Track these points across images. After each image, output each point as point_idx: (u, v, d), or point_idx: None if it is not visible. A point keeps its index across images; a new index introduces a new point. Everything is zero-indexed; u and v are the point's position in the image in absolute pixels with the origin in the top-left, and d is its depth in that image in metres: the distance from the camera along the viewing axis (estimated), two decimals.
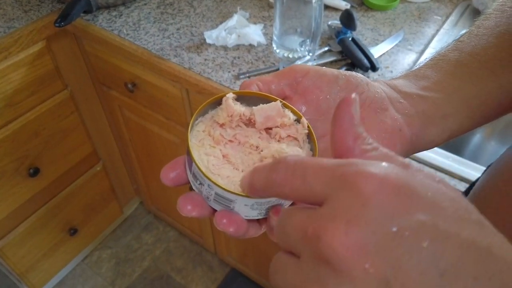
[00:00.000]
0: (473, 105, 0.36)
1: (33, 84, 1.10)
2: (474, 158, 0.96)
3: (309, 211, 0.20)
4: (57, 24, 0.95)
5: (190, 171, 0.30)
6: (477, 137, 0.95)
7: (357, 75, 0.34)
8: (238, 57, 0.93)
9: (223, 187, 0.28)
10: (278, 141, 0.32)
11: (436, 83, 0.35)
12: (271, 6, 1.06)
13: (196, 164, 0.28)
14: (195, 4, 1.08)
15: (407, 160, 0.21)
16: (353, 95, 0.23)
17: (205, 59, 0.93)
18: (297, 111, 0.32)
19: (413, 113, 0.34)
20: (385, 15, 1.03)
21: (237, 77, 0.89)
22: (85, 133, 1.32)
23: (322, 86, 0.33)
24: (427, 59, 0.39)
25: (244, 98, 0.33)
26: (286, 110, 0.32)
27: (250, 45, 0.95)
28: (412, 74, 0.37)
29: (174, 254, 1.68)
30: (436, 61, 0.38)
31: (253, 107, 0.32)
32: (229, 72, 0.90)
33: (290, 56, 0.90)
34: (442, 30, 0.97)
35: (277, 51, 0.91)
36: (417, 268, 0.17)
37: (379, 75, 0.88)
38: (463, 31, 0.97)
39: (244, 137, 0.32)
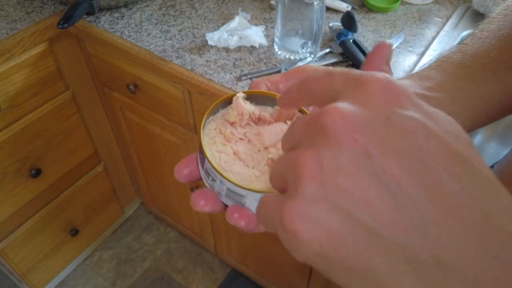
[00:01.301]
0: (476, 105, 0.37)
1: (35, 85, 1.10)
2: None
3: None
4: (59, 26, 0.95)
5: (203, 167, 0.31)
6: (477, 139, 0.95)
7: None
8: (240, 59, 0.94)
9: (235, 182, 0.29)
10: None
11: (440, 83, 0.36)
12: (272, 8, 1.06)
13: (209, 161, 0.30)
14: (197, 6, 1.08)
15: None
16: (389, 41, 0.26)
17: (207, 61, 0.93)
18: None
19: None
20: (386, 16, 1.03)
21: (239, 78, 0.89)
22: (86, 134, 1.32)
23: None
24: (431, 61, 0.40)
25: (253, 97, 0.34)
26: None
27: (252, 46, 0.96)
28: (416, 75, 0.38)
29: (174, 254, 1.68)
30: (440, 63, 0.38)
31: (261, 128, 0.33)
32: (231, 73, 0.91)
33: (292, 57, 0.90)
34: (442, 32, 0.98)
35: (279, 52, 0.92)
36: (399, 150, 0.19)
37: None
38: (464, 33, 0.98)
39: (254, 136, 0.33)
